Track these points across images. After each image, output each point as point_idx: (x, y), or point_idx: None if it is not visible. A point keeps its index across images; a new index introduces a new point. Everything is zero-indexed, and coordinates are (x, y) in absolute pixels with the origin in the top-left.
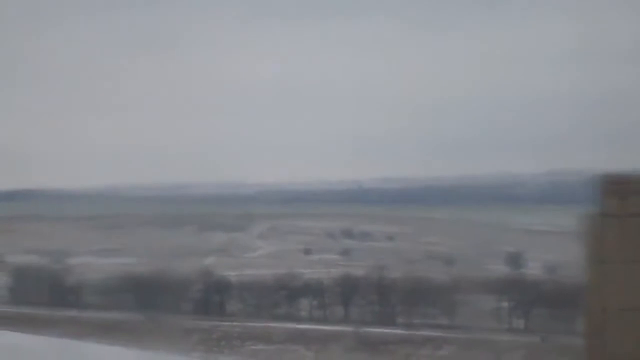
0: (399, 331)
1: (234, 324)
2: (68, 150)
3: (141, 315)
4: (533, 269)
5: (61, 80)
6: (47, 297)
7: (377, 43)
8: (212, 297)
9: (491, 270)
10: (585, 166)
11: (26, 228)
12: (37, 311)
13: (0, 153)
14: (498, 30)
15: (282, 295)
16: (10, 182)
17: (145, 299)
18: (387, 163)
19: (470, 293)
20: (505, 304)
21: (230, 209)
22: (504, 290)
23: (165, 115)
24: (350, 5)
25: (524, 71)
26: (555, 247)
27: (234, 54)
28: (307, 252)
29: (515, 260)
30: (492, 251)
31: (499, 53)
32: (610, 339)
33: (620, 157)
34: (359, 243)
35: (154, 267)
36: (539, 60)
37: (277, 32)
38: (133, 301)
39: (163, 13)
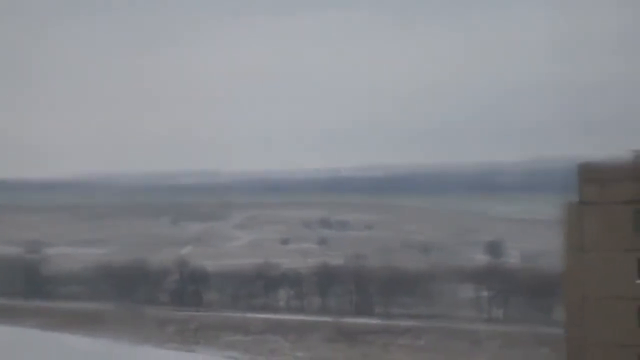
0: (377, 321)
1: (211, 314)
2: (45, 141)
3: (117, 306)
4: (512, 258)
5: (42, 74)
6: (23, 287)
7: (357, 34)
8: (189, 287)
9: (470, 259)
10: (564, 155)
11: (2, 218)
12: (12, 302)
13: None
14: (480, 21)
15: (259, 286)
16: None
17: (122, 289)
18: (366, 151)
19: (449, 282)
20: (484, 293)
21: (207, 199)
22: (483, 279)
23: (141, 106)
24: None
25: (505, 61)
26: (534, 236)
27: (213, 46)
28: (285, 241)
29: (494, 249)
30: (471, 240)
31: (481, 43)
32: (589, 328)
33: (598, 145)
34: (337, 232)
35: (130, 257)
36: (520, 50)
37: (258, 25)
38: (109, 292)
39: (147, 8)
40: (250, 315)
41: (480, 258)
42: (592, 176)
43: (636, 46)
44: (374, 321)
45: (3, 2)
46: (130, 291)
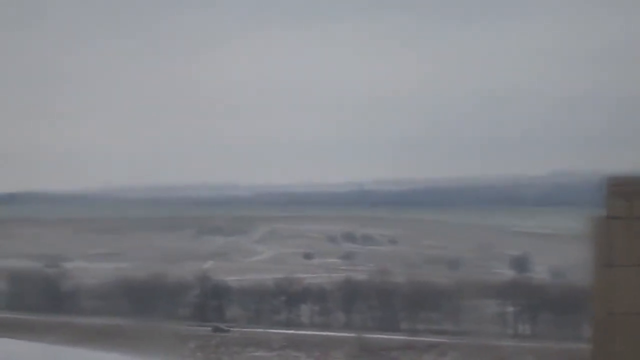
0: (402, 337)
1: (233, 329)
2: (64, 153)
3: (137, 321)
4: (539, 273)
5: (57, 83)
6: (42, 302)
7: (379, 44)
8: (211, 302)
9: (496, 274)
10: (591, 168)
11: (22, 232)
12: (32, 317)
13: None
14: (501, 29)
15: (282, 301)
16: (6, 185)
17: (142, 304)
18: (389, 165)
19: (475, 298)
20: (510, 309)
21: (228, 212)
22: (509, 294)
23: (161, 117)
24: (355, 6)
25: (530, 71)
26: (561, 251)
27: (232, 55)
28: (308, 256)
29: (520, 264)
30: (496, 255)
31: (503, 52)
32: (617, 344)
33: (626, 158)
34: (361, 247)
35: (150, 272)
36: (546, 60)
37: (276, 34)
38: (129, 306)
39: (155, 14)
40: (272, 330)
41: (506, 273)
42: (619, 190)
43: None
44: (398, 337)
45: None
46: (150, 306)
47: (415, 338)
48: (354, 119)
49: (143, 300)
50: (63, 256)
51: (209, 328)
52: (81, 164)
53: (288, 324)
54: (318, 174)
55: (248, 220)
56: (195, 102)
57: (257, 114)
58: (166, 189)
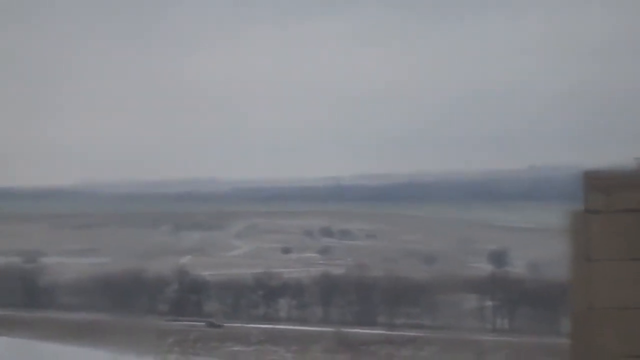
0: (380, 331)
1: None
2: (41, 149)
3: (115, 316)
4: (517, 267)
5: (35, 79)
6: (20, 298)
7: (358, 40)
8: (188, 297)
9: (474, 269)
10: (569, 162)
11: None
12: (9, 312)
13: None
14: (484, 27)
15: (260, 295)
16: None
17: (120, 299)
18: (367, 160)
19: (453, 292)
20: (489, 303)
21: (207, 207)
22: (487, 289)
23: (138, 113)
24: (338, 2)
25: (510, 68)
26: (539, 245)
27: (210, 52)
28: (286, 251)
29: (498, 258)
30: (475, 249)
31: (484, 49)
32: (596, 339)
33: (605, 153)
34: (339, 241)
35: (128, 267)
36: (528, 57)
37: (255, 31)
38: (107, 302)
39: (144, 11)
40: (251, 325)
41: (484, 267)
42: (598, 184)
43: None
44: (376, 331)
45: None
46: (128, 301)
47: (393, 332)
48: (332, 115)
49: (121, 296)
50: (41, 252)
51: (190, 323)
52: (58, 160)
53: (266, 319)
54: (296, 169)
55: (226, 215)
56: (174, 98)
57: (236, 110)
58: (144, 184)
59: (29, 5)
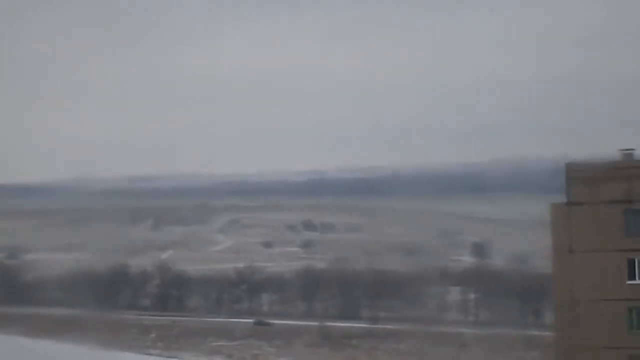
0: (362, 325)
1: (194, 319)
2: (22, 145)
3: (98, 312)
4: (500, 259)
5: (21, 76)
6: (2, 293)
7: (342, 34)
8: (171, 292)
9: (456, 261)
10: (550, 154)
11: None
12: None
13: None
14: (461, 19)
15: (243, 290)
16: None
17: (103, 294)
18: (349, 153)
19: (435, 285)
20: (470, 296)
21: (187, 202)
22: (469, 281)
23: (121, 109)
24: None
25: (494, 61)
26: (521, 237)
27: (190, 48)
28: (268, 245)
29: (480, 250)
30: (456, 242)
31: (467, 42)
32: (579, 330)
33: (587, 144)
34: (321, 235)
35: (110, 262)
36: (511, 49)
37: (239, 27)
38: (90, 297)
39: (136, 11)
40: (234, 320)
41: (466, 260)
42: (579, 176)
43: (620, 40)
44: (359, 325)
45: None
46: (111, 296)
47: (375, 326)
48: (315, 108)
49: (103, 291)
50: (23, 248)
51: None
52: (41, 156)
53: (249, 313)
54: (279, 163)
55: (207, 210)
56: (156, 94)
57: (218, 105)
58: (127, 179)
59: (25, 3)
